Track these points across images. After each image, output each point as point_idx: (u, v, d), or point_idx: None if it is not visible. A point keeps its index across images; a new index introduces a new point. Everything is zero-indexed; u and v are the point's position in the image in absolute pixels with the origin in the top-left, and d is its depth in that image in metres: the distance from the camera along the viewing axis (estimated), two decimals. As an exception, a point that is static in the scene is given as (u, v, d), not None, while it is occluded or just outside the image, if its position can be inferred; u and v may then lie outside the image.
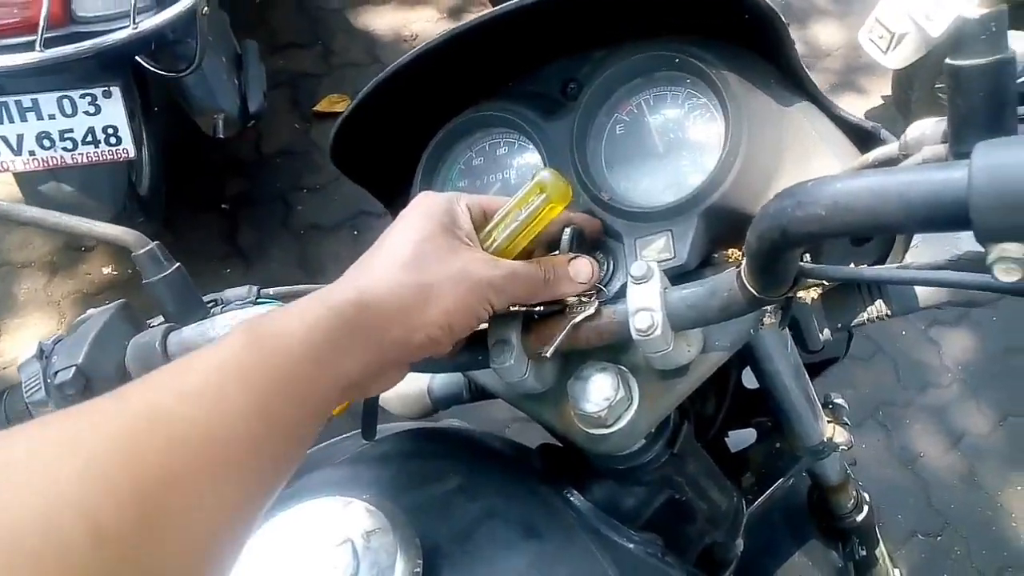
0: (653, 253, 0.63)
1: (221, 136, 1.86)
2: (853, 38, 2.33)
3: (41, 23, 1.34)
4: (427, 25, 2.66)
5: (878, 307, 0.75)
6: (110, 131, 1.57)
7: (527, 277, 0.55)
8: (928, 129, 0.48)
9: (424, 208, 0.53)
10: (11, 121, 1.52)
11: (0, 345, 1.99)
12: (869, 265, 0.68)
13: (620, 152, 0.67)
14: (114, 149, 1.60)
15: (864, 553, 1.09)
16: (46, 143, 1.55)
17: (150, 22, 1.44)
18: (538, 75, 0.73)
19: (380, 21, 2.71)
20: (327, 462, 0.65)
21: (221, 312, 0.63)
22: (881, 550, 1.18)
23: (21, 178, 1.64)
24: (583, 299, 0.57)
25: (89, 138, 1.57)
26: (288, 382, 0.42)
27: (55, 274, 2.09)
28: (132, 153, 1.60)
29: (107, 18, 1.43)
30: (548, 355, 0.57)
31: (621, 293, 0.63)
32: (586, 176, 0.66)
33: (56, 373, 0.54)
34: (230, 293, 0.66)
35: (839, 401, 0.87)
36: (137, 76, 1.66)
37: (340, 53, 2.64)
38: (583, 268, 0.57)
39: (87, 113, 1.55)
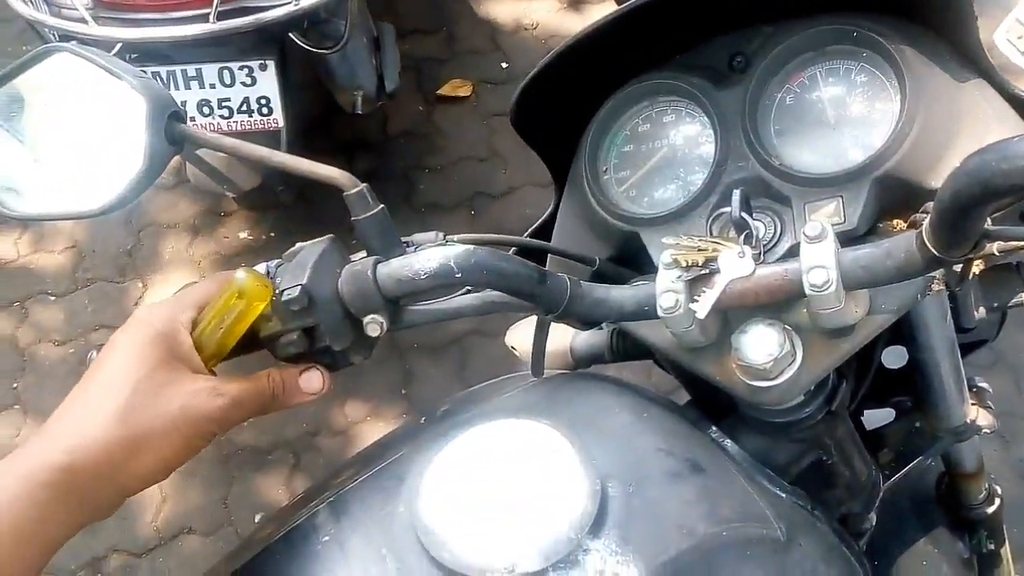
0: (823, 217, 0.66)
1: (359, 112, 1.96)
2: (988, 38, 2.25)
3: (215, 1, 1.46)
4: (547, 14, 2.71)
5: (1036, 291, 0.76)
6: (263, 102, 1.69)
7: (252, 399, 0.54)
8: None
9: (142, 334, 0.51)
10: (176, 88, 1.65)
11: (145, 297, 2.16)
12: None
13: (790, 121, 0.70)
14: (266, 119, 1.71)
15: (992, 547, 1.08)
16: (205, 110, 1.68)
17: (308, 1, 1.53)
18: (705, 49, 0.76)
19: (502, 9, 2.78)
20: (499, 394, 0.70)
21: (416, 251, 0.69)
22: (1007, 550, 1.16)
23: (181, 142, 1.77)
24: (740, 256, 0.60)
25: (244, 107, 1.68)
26: None
27: (196, 235, 2.24)
28: (281, 123, 1.71)
29: (272, -5, 1.53)
30: (701, 315, 0.60)
31: (787, 255, 0.66)
32: (756, 142, 0.69)
33: (284, 291, 0.61)
34: (418, 237, 0.72)
35: (984, 385, 0.87)
36: (282, 51, 1.77)
37: (463, 40, 2.72)
38: (315, 380, 0.59)
39: (244, 84, 1.66)
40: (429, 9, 2.77)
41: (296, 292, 0.61)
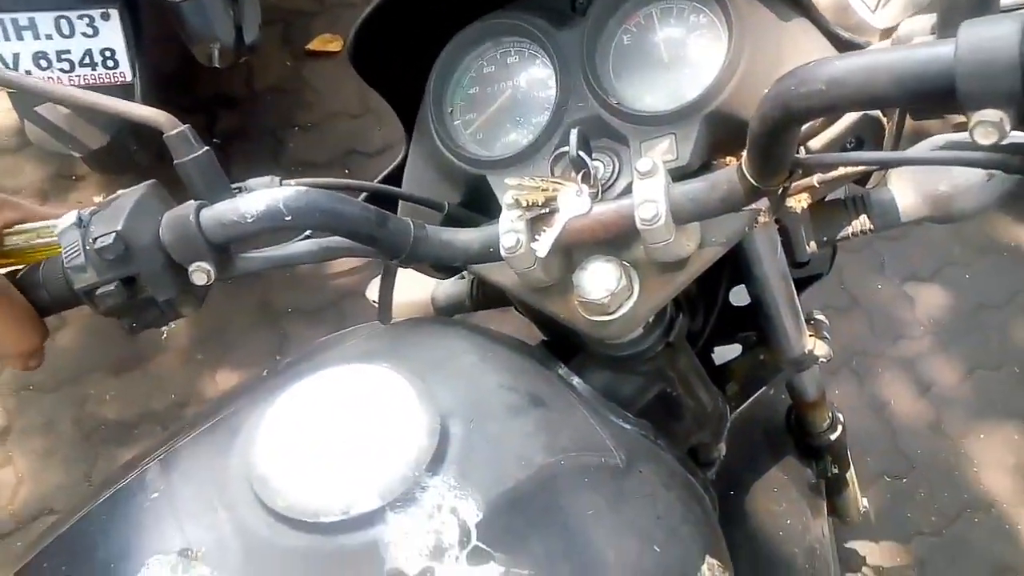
0: (657, 155, 0.67)
1: (217, 66, 1.86)
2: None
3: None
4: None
5: (862, 221, 0.80)
6: (107, 54, 1.58)
7: None
8: (917, 24, 0.52)
9: None
10: (7, 39, 1.52)
11: (-9, 270, 2.00)
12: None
13: (627, 61, 0.71)
14: (111, 72, 1.60)
15: (836, 471, 1.16)
16: (43, 63, 1.55)
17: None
18: None
19: None
20: (347, 341, 0.68)
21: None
22: (852, 474, 1.25)
23: (16, 98, 1.64)
24: (577, 195, 0.61)
25: (87, 60, 1.57)
26: None
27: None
28: (129, 77, 1.61)
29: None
30: (541, 253, 0.61)
31: (624, 192, 0.67)
32: (595, 82, 0.69)
33: (96, 239, 0.57)
34: (253, 182, 0.69)
35: (820, 317, 0.92)
36: (130, 3, 1.66)
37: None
38: None
39: (84, 35, 1.55)
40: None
41: (110, 240, 0.57)
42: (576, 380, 0.69)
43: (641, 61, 0.70)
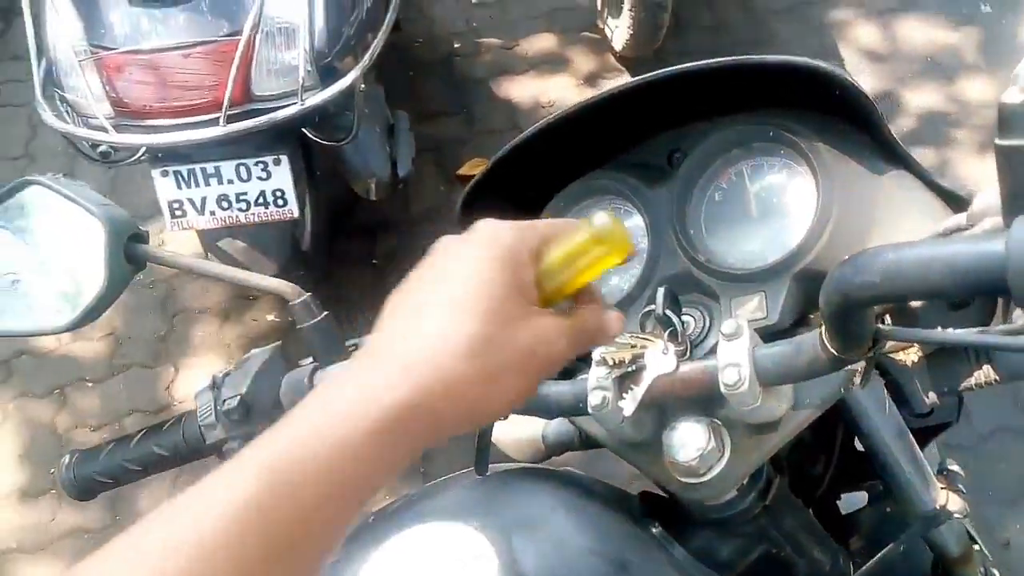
0: (746, 312, 0.67)
1: (373, 199, 2.04)
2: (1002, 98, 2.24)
3: (225, 103, 1.55)
4: (564, 92, 2.79)
5: (986, 372, 0.75)
6: (278, 194, 1.77)
7: (582, 339, 0.48)
8: (992, 200, 0.50)
9: (493, 253, 0.44)
10: (196, 185, 1.74)
11: (177, 381, 2.23)
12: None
13: (718, 217, 0.72)
14: (280, 210, 1.79)
15: (996, 637, 1.04)
16: (224, 204, 1.77)
17: (314, 99, 1.62)
18: (647, 146, 0.80)
19: (520, 89, 2.87)
20: (441, 493, 0.72)
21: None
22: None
23: (203, 235, 1.86)
24: (664, 353, 0.62)
25: (260, 200, 1.77)
26: (314, 521, 0.38)
27: (226, 320, 2.33)
28: (296, 214, 1.79)
29: (279, 96, 1.62)
30: (627, 412, 0.62)
31: (716, 350, 0.67)
32: (684, 238, 0.71)
33: (224, 401, 0.65)
34: (365, 339, 0.76)
35: (954, 468, 0.86)
36: (304, 144, 1.87)
37: (482, 120, 2.81)
38: (616, 322, 0.51)
39: (259, 178, 1.75)
40: (450, 92, 2.87)
41: (235, 402, 0.65)
42: (670, 542, 0.68)
43: (732, 217, 0.72)
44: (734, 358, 0.58)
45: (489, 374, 0.42)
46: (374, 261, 2.45)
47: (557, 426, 0.96)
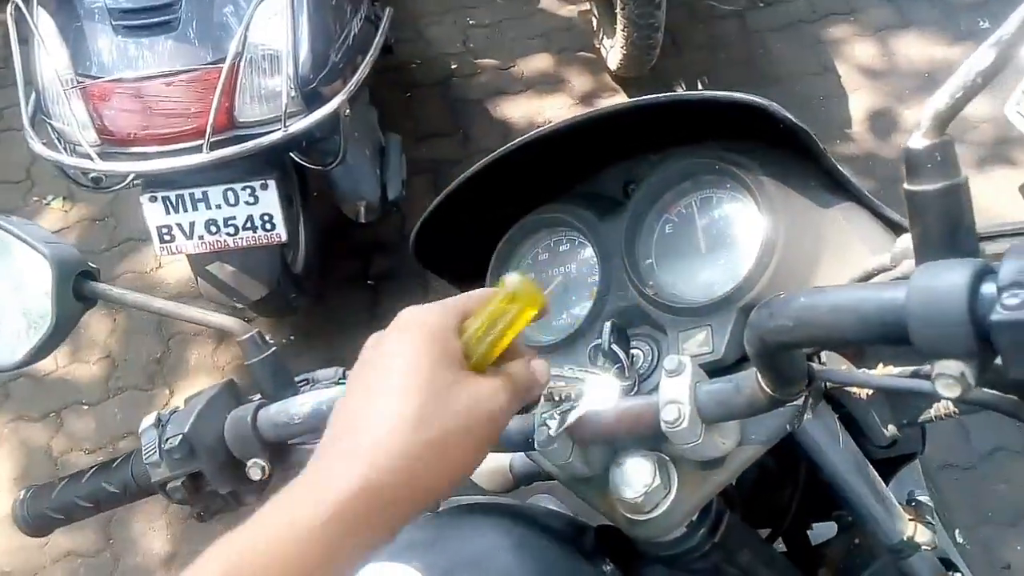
0: (693, 346, 0.67)
1: (363, 221, 2.05)
2: (1001, 110, 2.23)
3: (208, 130, 1.56)
4: (560, 111, 2.79)
5: (945, 405, 0.74)
6: (266, 218, 1.78)
7: (521, 393, 0.50)
8: (909, 243, 0.50)
9: (420, 336, 0.47)
10: (185, 211, 1.75)
11: (172, 403, 2.23)
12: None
13: (668, 250, 0.72)
14: (269, 234, 1.80)
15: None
16: (212, 229, 1.78)
17: (298, 125, 1.63)
18: (603, 176, 0.79)
19: (515, 109, 2.87)
20: None
21: (311, 389, 0.72)
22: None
23: (193, 259, 1.87)
24: (605, 387, 0.61)
25: (248, 224, 1.78)
26: None
27: (220, 343, 2.34)
28: (283, 238, 1.80)
29: (263, 122, 1.63)
30: (553, 433, 0.60)
31: None
32: (633, 271, 0.71)
33: (167, 440, 0.65)
34: (320, 373, 0.75)
35: (923, 499, 0.84)
36: (297, 167, 1.88)
37: (478, 140, 2.81)
38: (542, 369, 0.53)
39: (247, 203, 1.76)
40: (446, 113, 2.88)
41: (177, 441, 0.65)
42: None
43: (681, 250, 0.71)
44: (675, 395, 0.58)
45: (436, 444, 0.44)
46: (369, 281, 2.45)
47: (523, 457, 0.95)
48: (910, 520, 0.81)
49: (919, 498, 0.84)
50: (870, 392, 0.68)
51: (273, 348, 0.71)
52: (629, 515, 0.64)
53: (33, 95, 1.68)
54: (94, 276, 0.72)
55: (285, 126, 1.61)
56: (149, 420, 0.68)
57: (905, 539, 0.79)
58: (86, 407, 2.26)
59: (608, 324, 0.67)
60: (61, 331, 0.70)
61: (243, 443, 0.65)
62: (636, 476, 0.63)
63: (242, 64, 1.58)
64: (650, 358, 0.69)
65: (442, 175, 2.70)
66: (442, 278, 0.84)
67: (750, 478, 0.80)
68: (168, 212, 1.75)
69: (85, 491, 0.72)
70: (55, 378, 2.33)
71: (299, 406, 0.65)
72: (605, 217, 0.75)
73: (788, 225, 0.65)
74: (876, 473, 0.76)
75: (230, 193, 1.75)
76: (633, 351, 0.69)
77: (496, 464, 0.97)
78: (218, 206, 1.76)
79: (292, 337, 2.34)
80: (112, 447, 2.17)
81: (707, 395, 0.58)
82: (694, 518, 0.66)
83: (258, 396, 0.72)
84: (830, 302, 0.42)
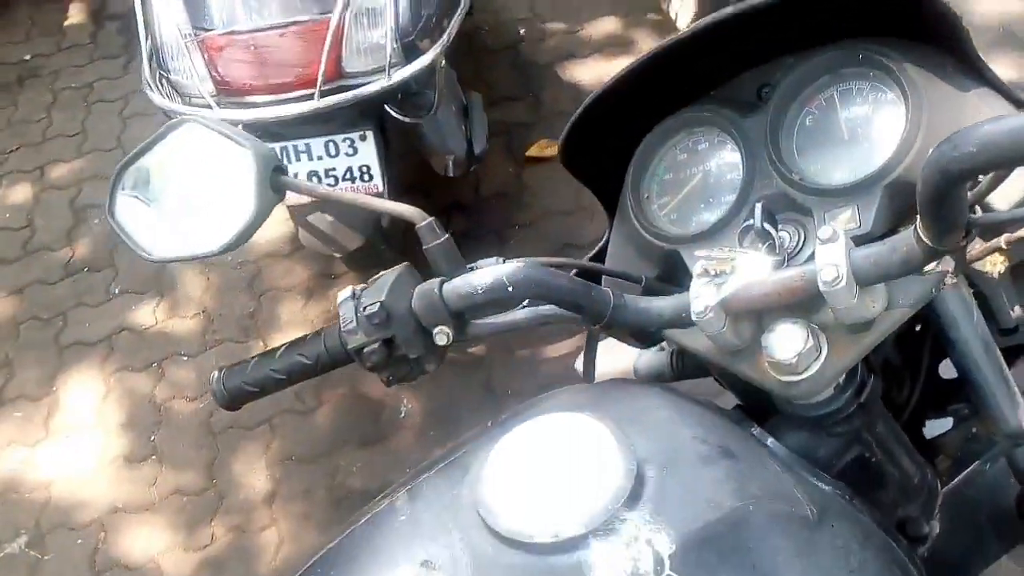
0: (840, 224, 0.72)
1: (451, 175, 2.12)
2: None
3: (319, 78, 1.65)
4: (631, 73, 2.83)
5: (1074, 285, 0.78)
6: (364, 169, 1.86)
7: None
8: None
9: None
10: (288, 162, 1.85)
11: (266, 355, 2.35)
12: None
13: (810, 141, 0.77)
14: (367, 185, 1.88)
15: (1084, 565, 1.05)
16: (314, 180, 1.87)
17: (401, 73, 1.71)
18: (734, 83, 0.85)
19: (585, 72, 2.92)
20: (555, 397, 0.78)
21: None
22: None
23: (294, 210, 1.97)
24: (760, 261, 0.67)
25: (348, 175, 1.86)
26: None
27: (310, 297, 2.44)
28: (381, 188, 1.88)
29: (368, 72, 1.72)
30: (711, 302, 0.66)
31: (811, 260, 0.72)
32: (779, 161, 0.76)
33: (365, 307, 0.73)
34: (482, 262, 0.82)
35: (1040, 391, 0.88)
36: (381, 125, 1.96)
37: (549, 103, 2.87)
38: None
39: (347, 154, 1.84)
40: (517, 77, 2.95)
41: (376, 307, 0.72)
42: (770, 440, 0.73)
43: (823, 139, 0.76)
44: (832, 258, 0.63)
45: None
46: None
47: (649, 357, 1.01)
48: None
49: (1036, 389, 0.89)
50: (1002, 271, 0.73)
51: (448, 235, 0.79)
52: (782, 377, 0.69)
53: (149, 49, 1.78)
54: (285, 171, 0.80)
55: (389, 75, 1.69)
56: (346, 293, 0.76)
57: (1023, 425, 0.84)
58: (185, 358, 2.38)
59: (759, 205, 0.72)
60: (258, 219, 0.78)
61: (431, 311, 0.72)
62: (789, 340, 0.68)
63: (347, 16, 1.66)
64: (797, 239, 0.74)
65: (515, 138, 2.77)
66: (585, 184, 0.91)
67: (876, 364, 0.84)
68: (272, 164, 1.84)
69: (279, 364, 0.80)
70: (155, 332, 2.45)
71: (481, 278, 0.72)
72: (745, 115, 0.80)
73: (931, 107, 0.70)
74: (1001, 357, 0.80)
75: (331, 144, 1.84)
76: (780, 234, 0.75)
77: (619, 366, 1.03)
78: (319, 157, 1.85)
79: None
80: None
81: (861, 258, 0.63)
82: (842, 380, 0.72)
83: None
84: (1011, 125, 0.47)
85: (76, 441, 2.25)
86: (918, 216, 0.58)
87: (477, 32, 3.03)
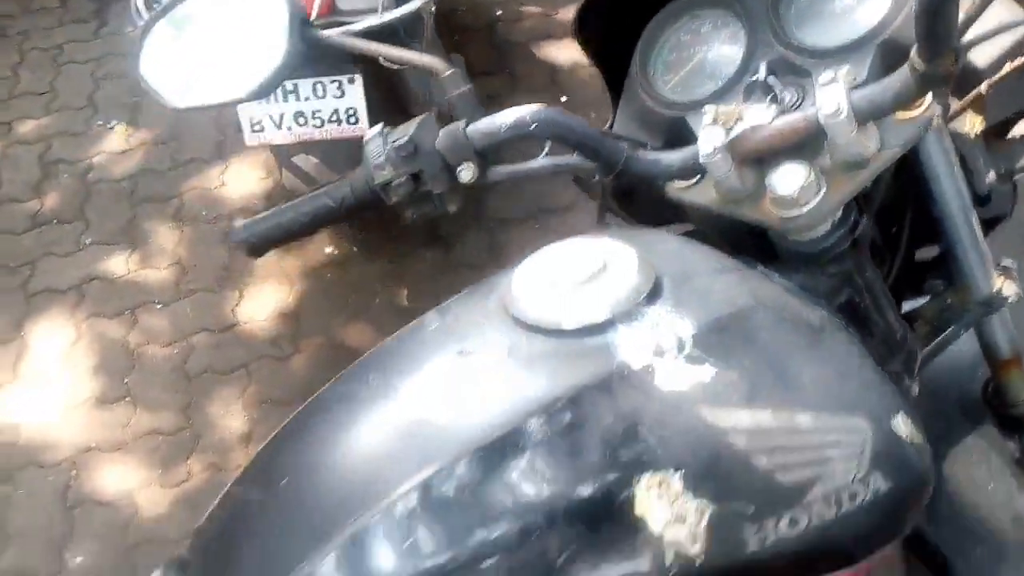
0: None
1: (434, 127, 2.16)
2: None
3: (313, 13, 1.68)
4: (605, 51, 2.91)
5: (1041, 160, 0.86)
6: (350, 112, 1.90)
7: None
8: None
9: None
10: (276, 101, 1.87)
11: (242, 304, 2.36)
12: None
13: (809, 9, 0.84)
14: (353, 128, 1.91)
15: (1041, 447, 1.13)
16: (300, 120, 1.89)
17: (392, 12, 1.75)
18: None
19: (560, 53, 3.00)
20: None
21: None
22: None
23: (277, 149, 1.99)
24: (764, 109, 0.73)
25: (334, 117, 1.89)
26: None
27: (288, 251, 2.45)
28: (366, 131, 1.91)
29: (360, 11, 1.75)
30: (719, 144, 0.72)
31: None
32: (780, 30, 0.83)
33: (394, 141, 0.77)
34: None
35: (1009, 263, 0.96)
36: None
37: (524, 79, 2.94)
38: None
39: (334, 96, 1.88)
40: (493, 53, 3.01)
41: (404, 139, 0.77)
42: (775, 276, 0.78)
43: (820, 8, 0.83)
44: (832, 96, 0.69)
45: None
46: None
47: None
48: (999, 277, 0.93)
49: (1005, 263, 0.96)
50: (979, 132, 0.80)
51: (470, 85, 0.83)
52: (783, 212, 0.75)
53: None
54: (311, 24, 0.84)
55: (380, 14, 1.73)
56: (374, 131, 0.80)
57: (994, 291, 0.91)
58: (159, 306, 2.37)
59: (763, 63, 0.78)
60: (286, 67, 0.82)
61: (457, 149, 0.77)
62: (792, 175, 0.74)
63: (342, -46, 1.70)
64: (797, 96, 0.81)
65: (493, 108, 2.82)
66: (595, 63, 0.96)
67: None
68: (260, 102, 1.87)
69: (303, 209, 0.83)
70: (127, 281, 2.44)
71: (504, 117, 0.77)
72: None
73: None
74: (977, 222, 0.87)
75: (319, 86, 1.87)
76: (782, 93, 0.81)
77: None
78: (307, 98, 1.88)
79: (355, 249, 2.45)
80: (186, 342, 2.28)
81: (859, 96, 0.69)
82: (838, 216, 0.78)
83: None
84: None
85: (46, 384, 2.22)
86: (913, 48, 0.64)
87: (454, 12, 3.09)
